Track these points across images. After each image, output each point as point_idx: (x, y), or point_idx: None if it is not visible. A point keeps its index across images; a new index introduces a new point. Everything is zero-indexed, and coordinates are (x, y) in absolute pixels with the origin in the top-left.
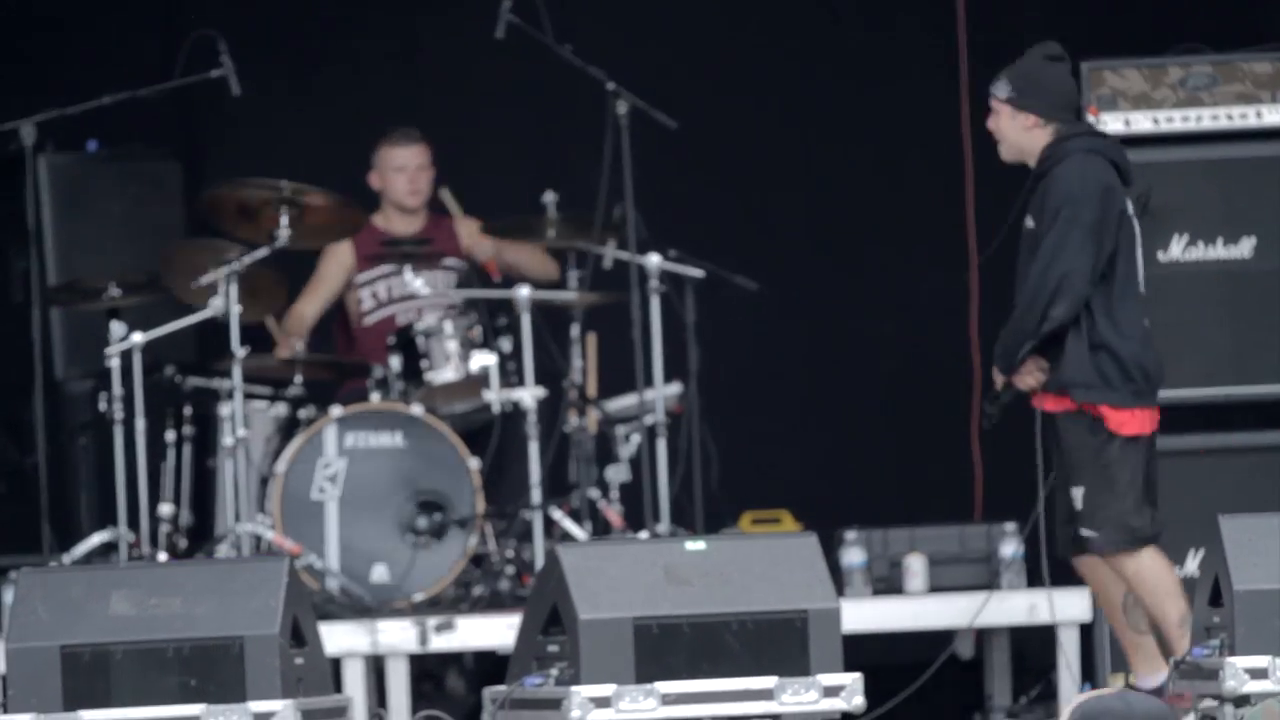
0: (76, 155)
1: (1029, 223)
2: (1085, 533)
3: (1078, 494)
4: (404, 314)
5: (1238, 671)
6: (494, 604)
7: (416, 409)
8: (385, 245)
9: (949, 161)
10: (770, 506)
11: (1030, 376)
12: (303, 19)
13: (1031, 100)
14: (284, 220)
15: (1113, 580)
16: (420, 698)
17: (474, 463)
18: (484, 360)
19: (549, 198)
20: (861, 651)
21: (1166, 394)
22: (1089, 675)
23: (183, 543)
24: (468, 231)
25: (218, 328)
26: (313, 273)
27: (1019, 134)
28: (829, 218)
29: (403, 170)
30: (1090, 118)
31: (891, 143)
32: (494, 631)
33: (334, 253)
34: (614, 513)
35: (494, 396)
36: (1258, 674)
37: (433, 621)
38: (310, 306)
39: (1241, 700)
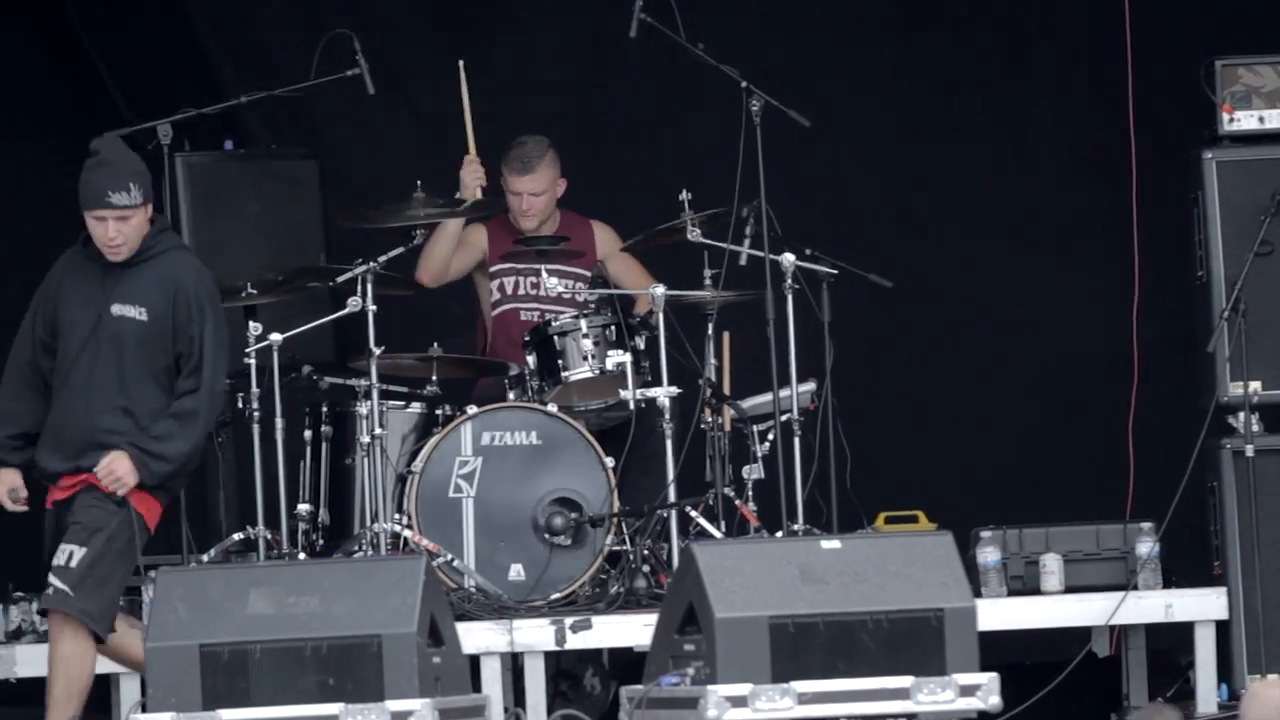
0: (213, 155)
1: None
2: None
3: None
4: (529, 311)
5: None
6: (630, 603)
7: (552, 407)
8: (519, 243)
9: (1104, 155)
10: (906, 505)
11: None
12: (432, 18)
13: None
14: (420, 220)
15: None
16: (557, 696)
17: (609, 461)
18: (619, 358)
19: (683, 196)
20: (997, 650)
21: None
22: (1225, 674)
23: (320, 542)
24: (603, 238)
25: (355, 326)
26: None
27: None
28: (965, 214)
29: (517, 195)
30: (1224, 116)
31: (1038, 136)
32: (630, 630)
33: (470, 229)
34: (749, 511)
35: (629, 395)
36: None
37: (569, 620)
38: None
39: None
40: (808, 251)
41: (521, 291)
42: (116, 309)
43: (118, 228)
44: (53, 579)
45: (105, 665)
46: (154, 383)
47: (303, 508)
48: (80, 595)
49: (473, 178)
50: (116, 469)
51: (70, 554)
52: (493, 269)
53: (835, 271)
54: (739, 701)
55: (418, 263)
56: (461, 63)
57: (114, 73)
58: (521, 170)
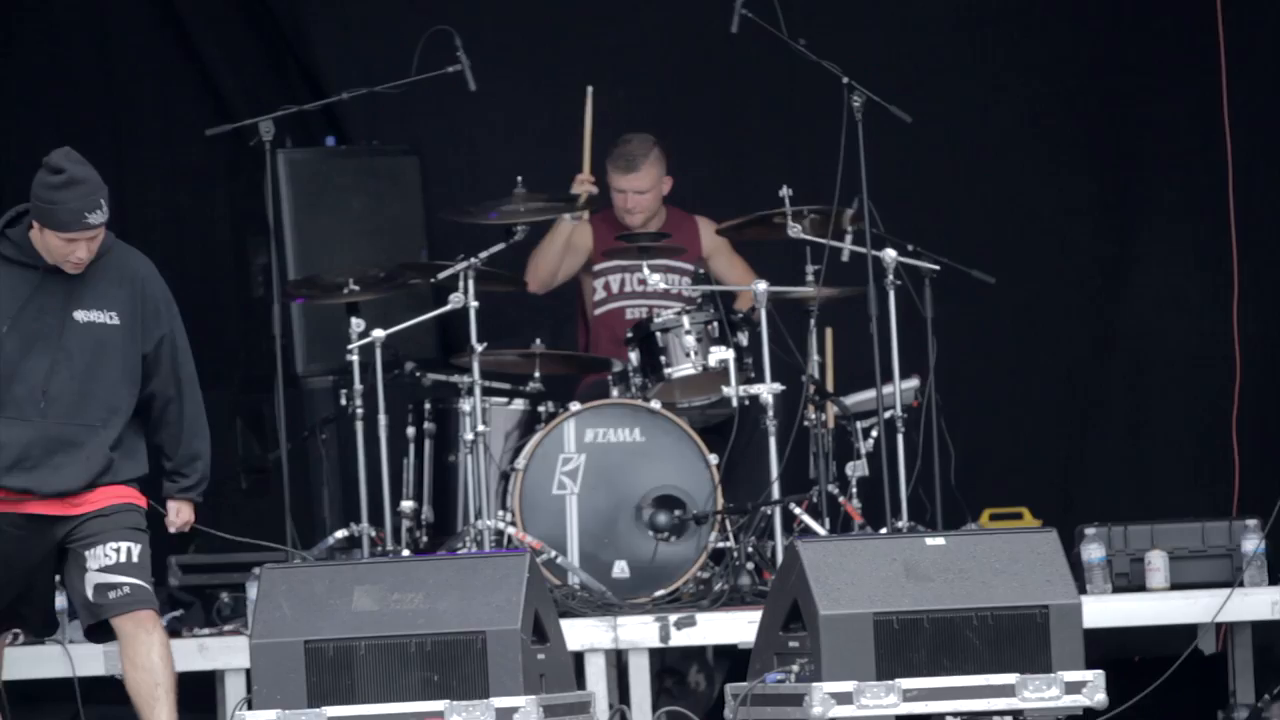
0: (315, 151)
1: None
2: None
3: None
4: (634, 309)
5: None
6: (734, 599)
7: (655, 404)
8: (621, 239)
9: (1205, 151)
10: (1010, 502)
11: None
12: (533, 14)
13: None
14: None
15: None
16: (661, 693)
17: (713, 458)
18: (722, 355)
19: (785, 192)
20: (1102, 647)
21: None
22: None
23: (424, 538)
24: (707, 234)
25: (458, 322)
26: (547, 234)
27: None
28: (1069, 210)
29: (621, 193)
30: None
31: (1143, 132)
32: (735, 627)
33: (575, 228)
34: (853, 508)
35: (732, 391)
36: None
37: (674, 617)
38: (547, 254)
39: None
40: (910, 247)
41: (628, 289)
42: (82, 315)
43: (89, 246)
44: (119, 578)
45: (212, 662)
46: (129, 387)
47: (406, 505)
48: (150, 587)
49: (580, 188)
50: (187, 516)
51: (127, 550)
52: (597, 268)
53: (937, 267)
54: (844, 698)
55: (526, 268)
56: (590, 89)
57: (218, 68)
58: (626, 168)
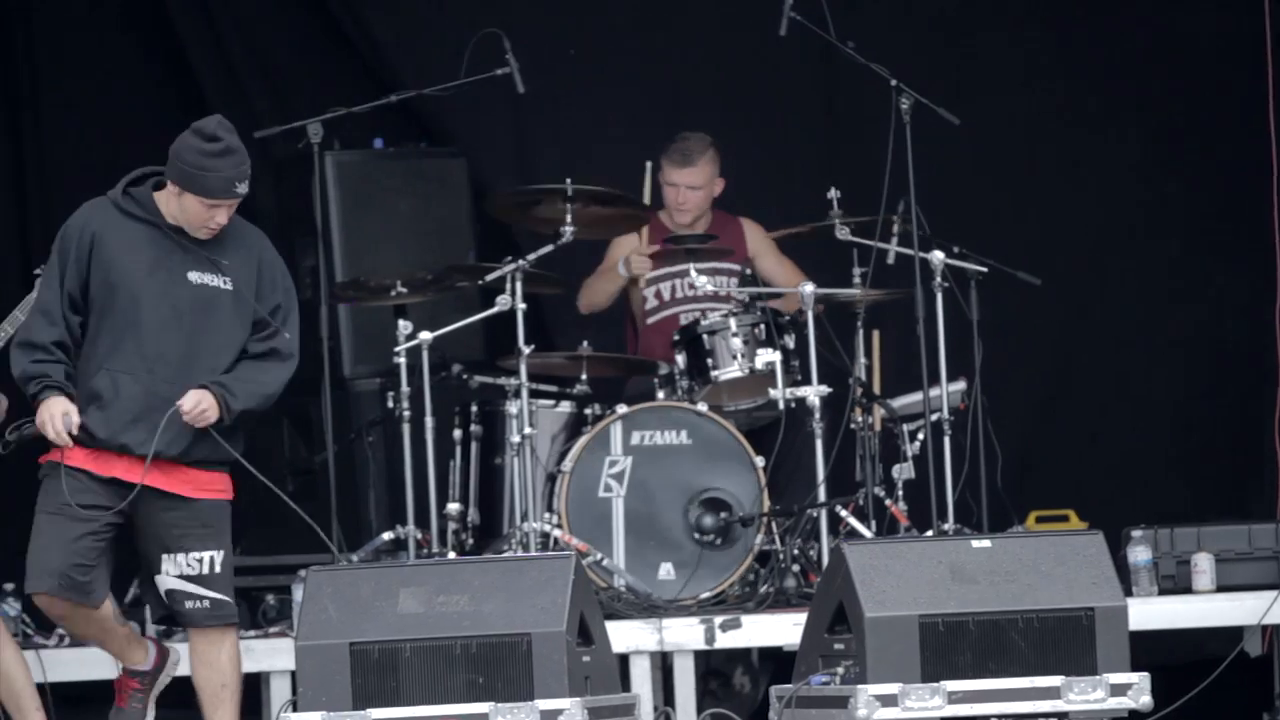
0: (363, 153)
1: None
2: None
3: None
4: (686, 315)
5: None
6: (780, 602)
7: (702, 406)
8: (668, 241)
9: (1249, 153)
10: (1056, 505)
11: None
12: (585, 17)
13: None
14: (569, 217)
15: None
16: (706, 695)
17: (759, 460)
18: (769, 357)
19: (833, 194)
20: (1148, 650)
21: None
22: None
23: (470, 541)
24: (753, 235)
25: (505, 325)
26: (603, 259)
27: None
28: (1115, 212)
29: (674, 188)
30: None
31: (1186, 135)
32: (780, 629)
33: (622, 244)
34: (899, 511)
35: (779, 394)
36: None
37: (719, 619)
38: (602, 287)
39: None
40: (956, 249)
41: (679, 295)
42: (196, 277)
43: (227, 213)
44: (200, 590)
45: (258, 664)
46: (234, 355)
47: (452, 507)
48: (231, 599)
49: (639, 264)
50: (203, 402)
51: (210, 560)
52: (647, 276)
53: (984, 269)
54: (889, 700)
55: (580, 293)
56: (650, 164)
57: (259, 70)
58: (682, 163)
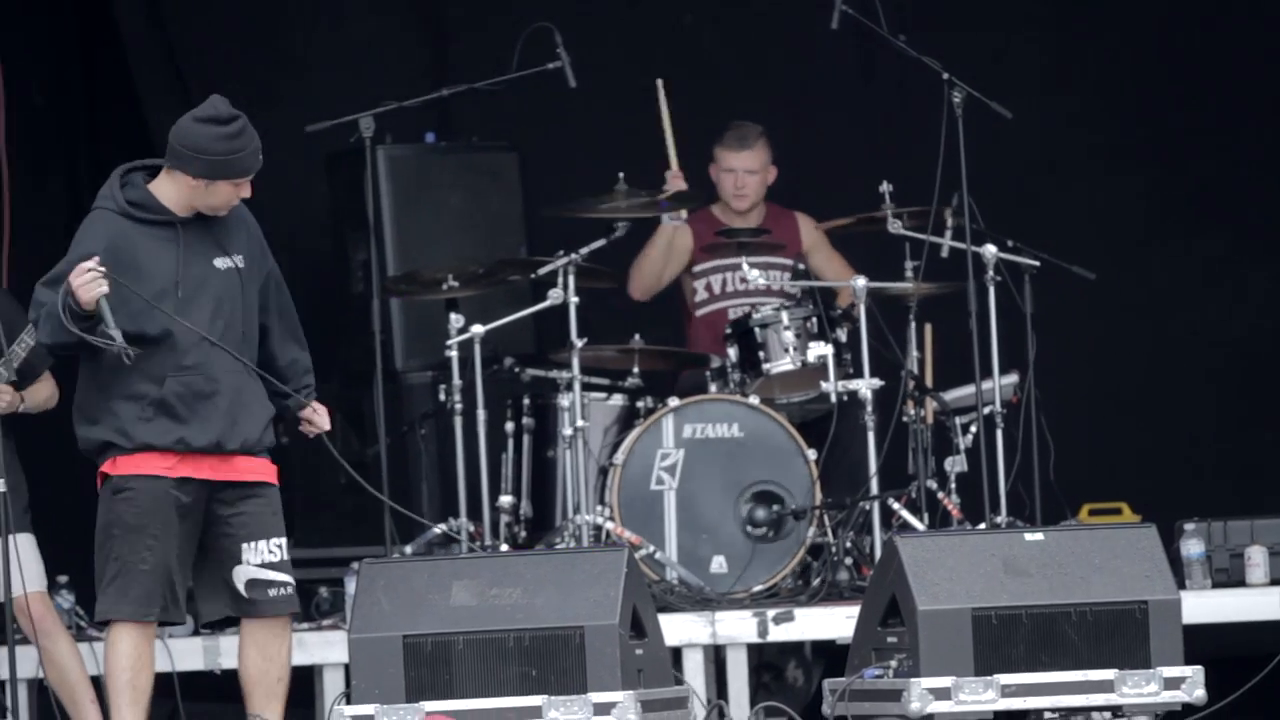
0: (415, 147)
1: None
2: None
3: None
4: (736, 309)
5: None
6: (832, 595)
7: (754, 399)
8: (720, 234)
9: None
10: (1109, 498)
11: None
12: (638, 11)
13: None
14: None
15: None
16: (759, 688)
17: (811, 453)
18: (820, 351)
19: (886, 188)
20: (1201, 643)
21: None
22: None
23: (522, 533)
24: (807, 229)
25: (557, 318)
26: (649, 240)
27: None
28: (1168, 206)
29: (731, 173)
30: None
31: (1234, 130)
32: (833, 622)
33: (675, 230)
34: (952, 504)
35: (831, 387)
36: None
37: (772, 612)
38: (650, 265)
39: None
40: (1009, 243)
41: (730, 289)
42: (221, 262)
43: (247, 188)
44: (281, 575)
45: (310, 657)
46: (254, 332)
47: (505, 500)
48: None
49: (676, 189)
50: (323, 412)
51: (280, 545)
52: (697, 269)
53: (1037, 263)
54: (942, 694)
55: (629, 276)
56: (660, 81)
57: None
58: (738, 146)
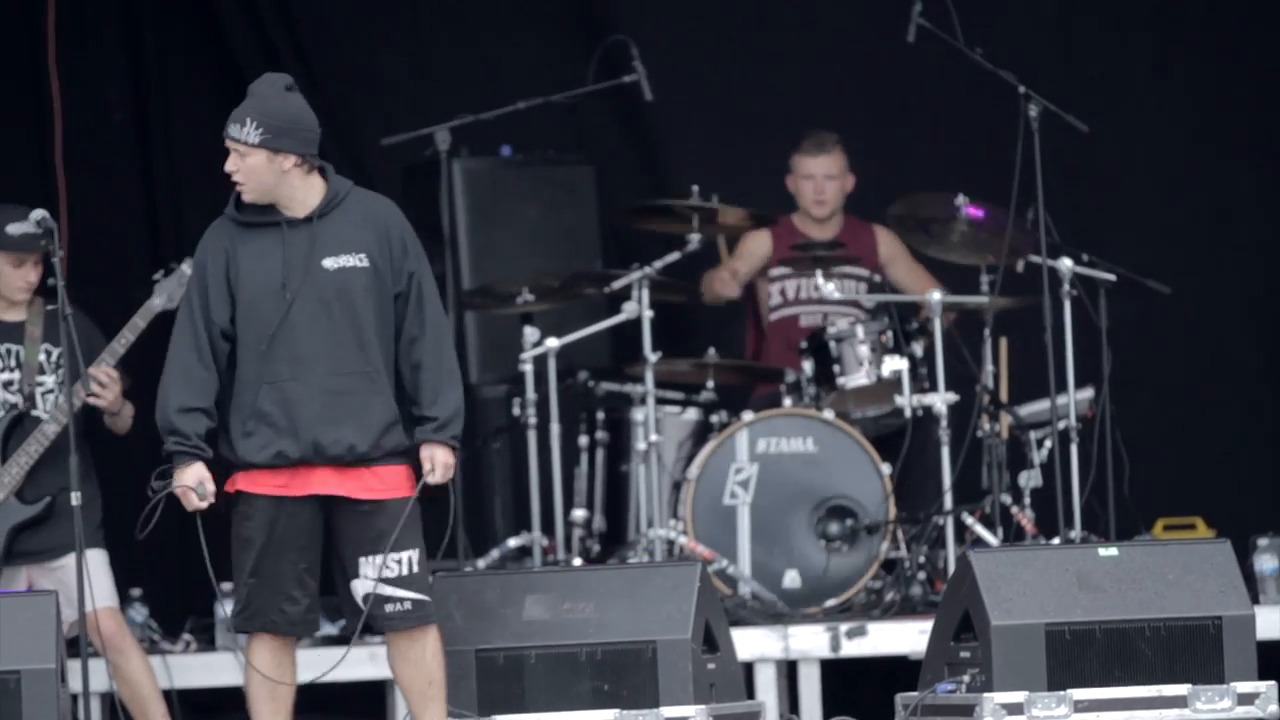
0: (490, 160)
1: None
2: None
3: None
4: (808, 316)
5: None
6: (905, 609)
7: (828, 414)
8: (796, 248)
9: None
10: (1183, 513)
11: None
12: (712, 22)
13: None
14: (695, 225)
15: None
16: (832, 703)
17: (885, 468)
18: (896, 365)
19: (961, 200)
20: (1275, 659)
21: None
22: None
23: (595, 547)
24: (885, 242)
25: (632, 332)
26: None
27: None
28: (1245, 220)
29: (810, 179)
30: None
31: None
32: (906, 637)
33: (755, 237)
34: (1026, 518)
35: (906, 401)
36: None
37: (844, 627)
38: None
39: None
40: (1085, 257)
41: (803, 295)
42: (330, 262)
43: (235, 161)
44: (402, 592)
45: (383, 670)
46: (387, 330)
47: (578, 514)
48: (429, 598)
49: (724, 286)
50: (445, 460)
51: (408, 560)
52: (773, 273)
53: (1113, 277)
54: (1015, 709)
55: (702, 282)
56: (715, 196)
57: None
58: (816, 151)
